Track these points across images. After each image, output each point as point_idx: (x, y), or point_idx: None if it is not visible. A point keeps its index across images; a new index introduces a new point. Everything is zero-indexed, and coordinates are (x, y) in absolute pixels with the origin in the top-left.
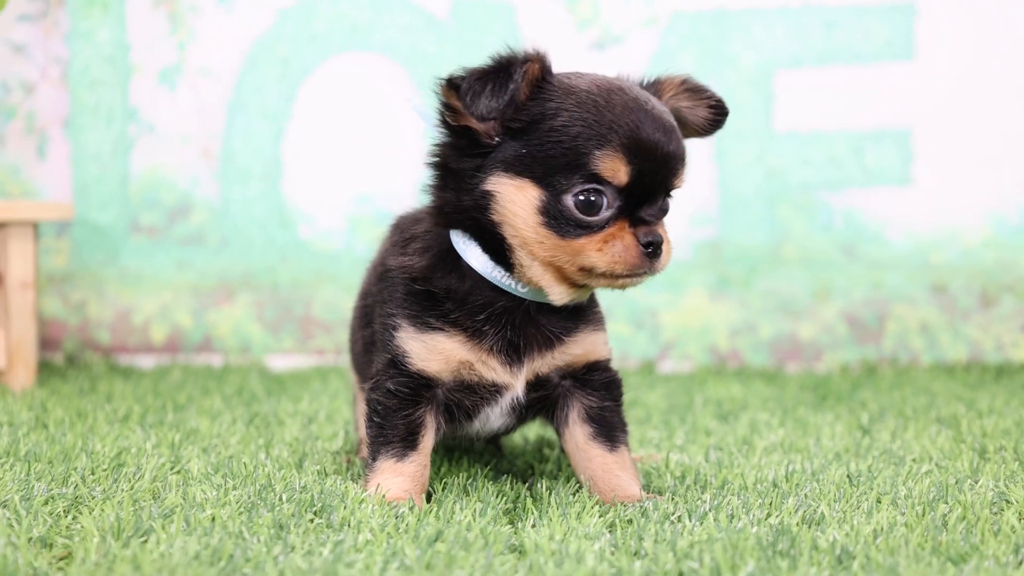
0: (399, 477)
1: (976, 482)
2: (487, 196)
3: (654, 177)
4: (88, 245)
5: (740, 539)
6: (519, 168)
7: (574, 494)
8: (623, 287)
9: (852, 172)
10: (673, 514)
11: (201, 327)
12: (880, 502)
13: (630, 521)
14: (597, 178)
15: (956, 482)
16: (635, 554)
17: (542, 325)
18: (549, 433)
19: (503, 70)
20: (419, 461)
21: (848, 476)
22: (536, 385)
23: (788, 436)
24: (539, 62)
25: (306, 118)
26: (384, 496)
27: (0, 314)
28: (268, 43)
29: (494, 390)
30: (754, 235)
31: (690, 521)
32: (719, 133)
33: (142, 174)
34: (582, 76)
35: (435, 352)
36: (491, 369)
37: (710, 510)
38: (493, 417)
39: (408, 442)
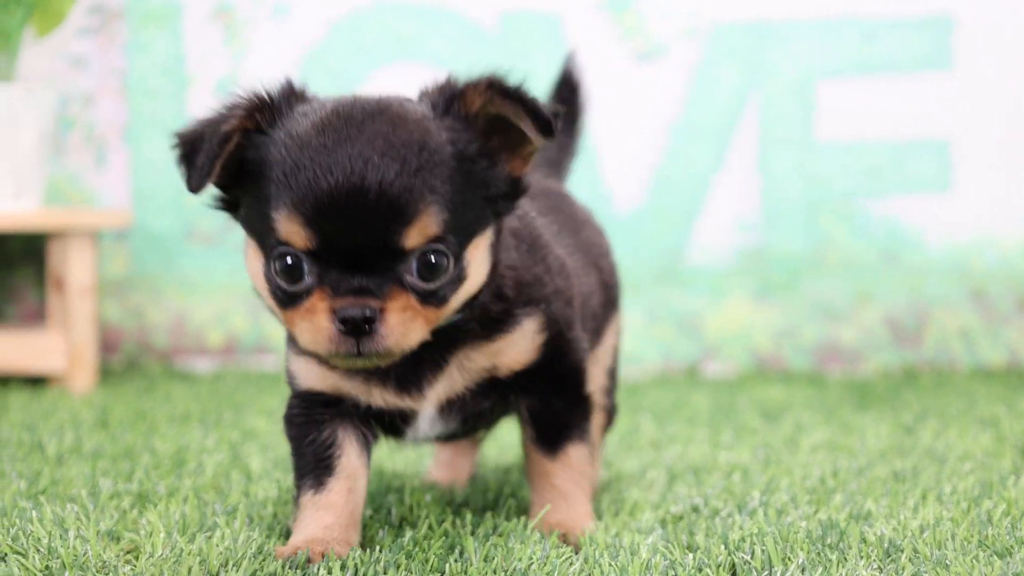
0: (319, 511)
1: (1019, 479)
2: (245, 262)
3: (351, 239)
4: (146, 252)
5: (790, 533)
6: (248, 229)
7: (626, 489)
8: (363, 368)
9: (892, 180)
10: (723, 509)
11: (256, 331)
12: (925, 498)
13: (681, 517)
14: (283, 242)
15: (999, 479)
16: (687, 547)
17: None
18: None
19: (203, 136)
20: (339, 487)
21: (893, 473)
22: (462, 400)
23: (832, 436)
24: (251, 114)
25: None
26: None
27: (61, 319)
28: (319, 55)
29: (398, 412)
30: (796, 241)
31: (740, 516)
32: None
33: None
34: (321, 108)
35: (315, 372)
36: (379, 398)
37: (759, 506)
38: (423, 428)
39: (321, 468)
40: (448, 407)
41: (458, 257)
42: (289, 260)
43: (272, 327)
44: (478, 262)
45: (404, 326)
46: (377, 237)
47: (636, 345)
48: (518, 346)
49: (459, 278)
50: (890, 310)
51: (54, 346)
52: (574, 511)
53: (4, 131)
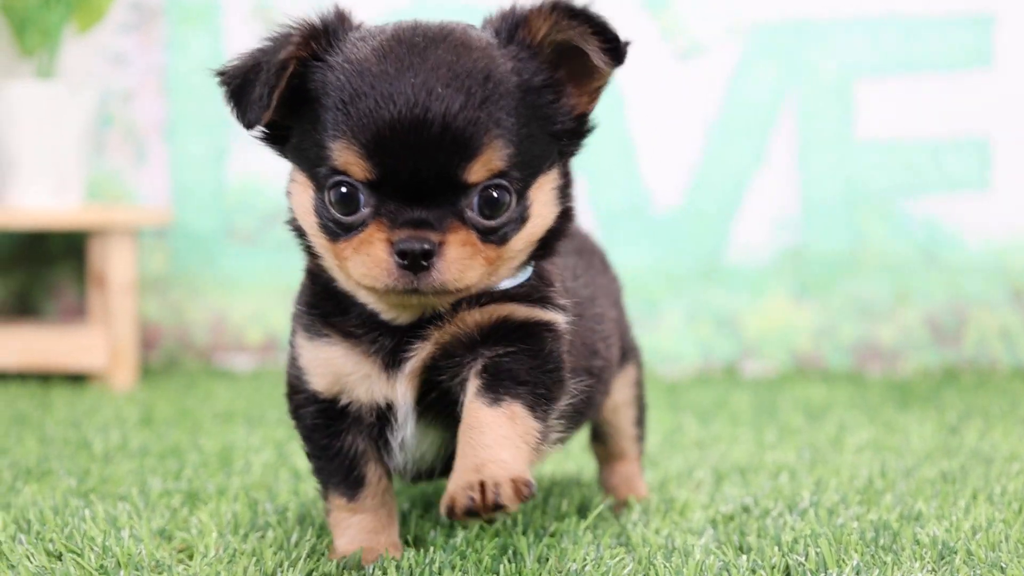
0: (357, 515)
1: None
2: (288, 198)
3: (412, 171)
4: (186, 249)
5: (843, 534)
6: (299, 161)
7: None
8: (408, 308)
9: (931, 179)
10: (773, 510)
11: None
12: (976, 499)
13: (731, 517)
14: (340, 171)
15: None
16: (740, 548)
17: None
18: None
19: (258, 67)
20: (373, 493)
21: (942, 474)
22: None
23: (876, 436)
24: (307, 41)
25: None
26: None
27: (102, 316)
28: None
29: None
30: (835, 240)
31: (791, 516)
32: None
33: (237, 180)
34: (380, 34)
35: (322, 359)
36: (368, 384)
37: (810, 506)
38: (406, 433)
39: (352, 477)
40: (425, 391)
41: (521, 194)
42: (345, 189)
43: None
44: (541, 203)
45: (463, 262)
46: (439, 170)
47: (676, 344)
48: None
49: (522, 217)
50: (929, 309)
51: (95, 343)
52: (507, 459)
53: (46, 128)
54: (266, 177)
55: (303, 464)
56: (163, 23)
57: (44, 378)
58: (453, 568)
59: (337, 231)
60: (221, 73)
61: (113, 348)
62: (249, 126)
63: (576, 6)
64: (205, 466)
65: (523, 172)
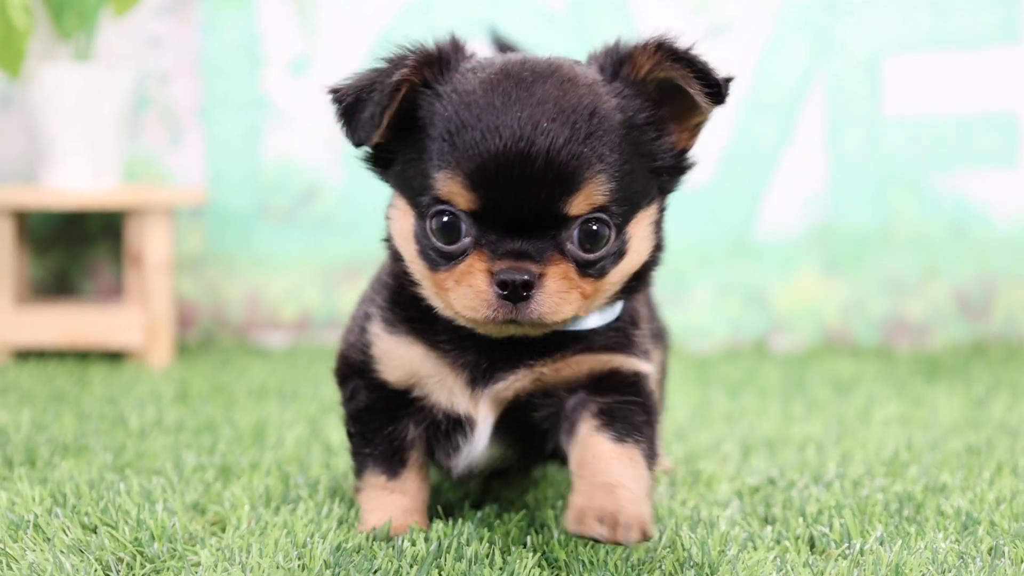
0: (394, 495)
1: None
2: (387, 222)
3: (514, 203)
4: (221, 228)
5: (867, 505)
6: (401, 187)
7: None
8: (505, 335)
9: (960, 155)
10: (799, 482)
11: (329, 306)
12: (1000, 471)
13: (757, 489)
14: (443, 200)
15: None
16: (765, 520)
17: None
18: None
19: (372, 87)
20: (413, 476)
21: (967, 447)
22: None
23: (904, 409)
24: (420, 67)
25: None
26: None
27: (139, 295)
28: (391, 36)
29: (459, 419)
30: (864, 216)
31: (817, 488)
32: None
33: (272, 160)
34: (489, 66)
35: (401, 354)
36: (448, 390)
37: (836, 478)
38: (479, 446)
39: (396, 459)
40: (507, 415)
41: (620, 229)
42: (447, 219)
43: (345, 302)
44: (639, 238)
45: (561, 296)
46: (541, 202)
47: (705, 319)
48: (630, 360)
49: (620, 252)
50: (958, 284)
51: (132, 321)
52: (634, 498)
53: (83, 109)
54: (300, 156)
55: (335, 439)
56: (199, 6)
57: (82, 356)
58: (481, 539)
59: (437, 260)
60: (334, 91)
61: (150, 326)
62: (358, 144)
63: (680, 48)
64: (239, 441)
65: (623, 207)
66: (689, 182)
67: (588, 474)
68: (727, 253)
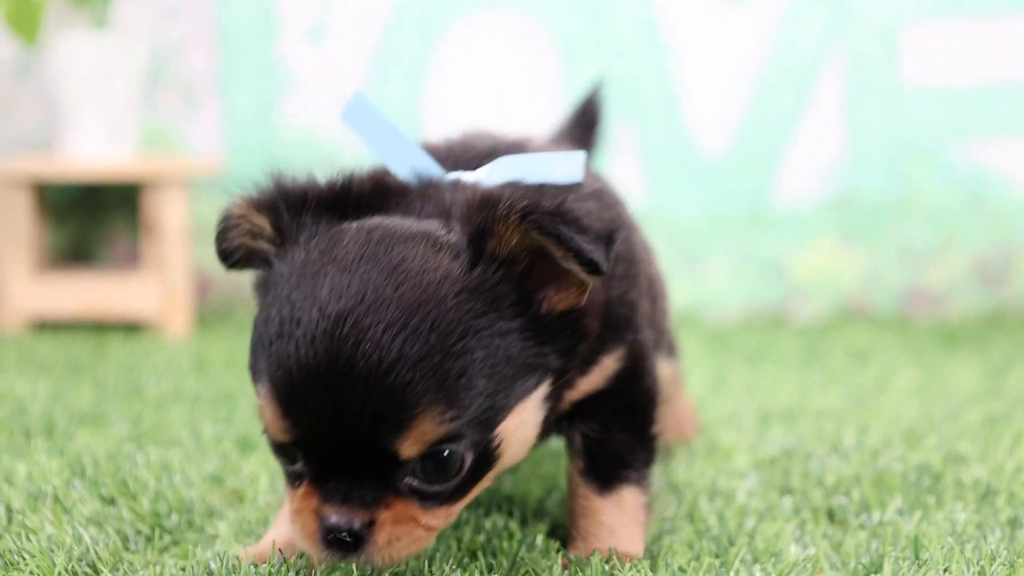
0: None
1: None
2: None
3: (333, 440)
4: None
5: (886, 476)
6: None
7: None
8: None
9: (978, 123)
10: (817, 452)
11: None
12: (1019, 440)
13: (775, 460)
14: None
15: None
16: (783, 491)
17: None
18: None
19: (224, 212)
20: None
21: (986, 416)
22: None
23: (921, 379)
24: (249, 217)
25: (445, 74)
26: None
27: (156, 264)
28: (405, 3)
29: None
30: (882, 185)
31: (835, 458)
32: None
33: (288, 130)
34: (328, 239)
35: None
36: None
37: (854, 448)
38: None
39: None
40: None
41: (481, 444)
42: (275, 442)
43: None
44: (522, 427)
45: (398, 543)
46: (363, 441)
47: (722, 289)
48: (589, 379)
49: (486, 464)
50: (976, 253)
51: (149, 291)
52: (623, 546)
53: (99, 78)
54: (317, 125)
55: None
56: None
57: (99, 326)
58: (499, 508)
59: (284, 473)
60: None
61: (167, 296)
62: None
63: (546, 220)
64: (255, 412)
65: (485, 422)
66: (707, 152)
67: (582, 525)
68: (744, 223)
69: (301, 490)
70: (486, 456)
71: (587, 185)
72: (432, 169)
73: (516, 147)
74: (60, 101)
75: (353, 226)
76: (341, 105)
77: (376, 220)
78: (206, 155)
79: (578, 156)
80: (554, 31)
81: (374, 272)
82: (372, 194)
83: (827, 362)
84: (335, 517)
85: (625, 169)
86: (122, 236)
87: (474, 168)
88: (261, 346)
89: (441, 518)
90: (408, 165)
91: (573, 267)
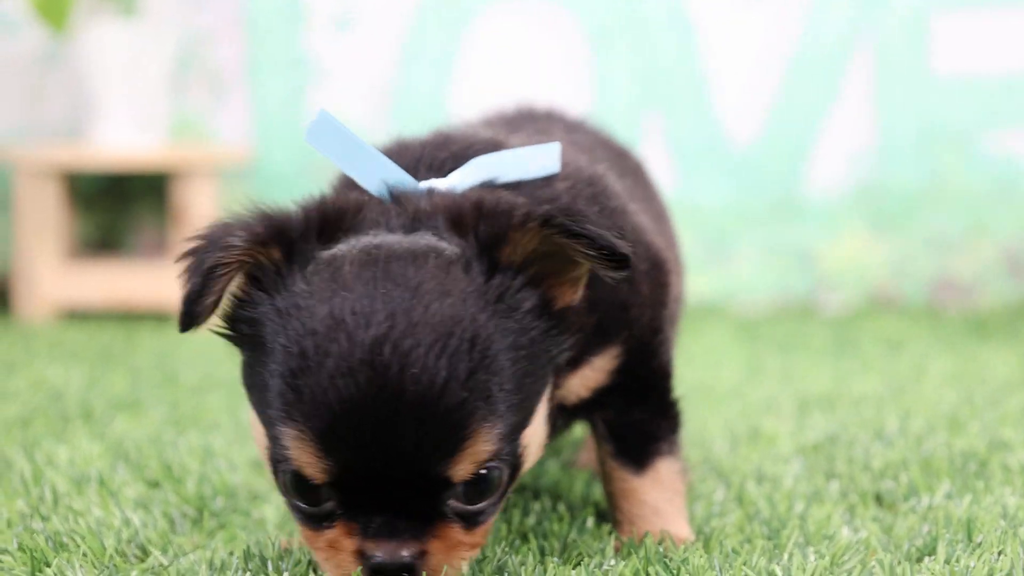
0: None
1: None
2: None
3: (383, 473)
4: (266, 187)
5: (932, 461)
6: (248, 391)
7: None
8: None
9: (1007, 112)
10: (861, 438)
11: None
12: None
13: (819, 446)
14: (294, 464)
15: None
16: (829, 475)
17: None
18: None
19: (199, 255)
20: None
21: None
22: None
23: (957, 367)
24: (246, 253)
25: (472, 63)
26: None
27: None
28: None
29: None
30: (911, 175)
31: (879, 444)
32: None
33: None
34: (342, 261)
35: None
36: None
37: (898, 434)
38: None
39: None
40: None
41: (515, 455)
42: (302, 480)
43: None
44: (539, 430)
45: (450, 569)
46: (416, 469)
47: (751, 279)
48: (585, 378)
49: (515, 473)
50: (1006, 242)
51: (176, 280)
52: (671, 527)
53: (128, 68)
54: (345, 114)
55: None
56: None
57: (127, 315)
58: (546, 492)
59: (301, 518)
60: (190, 239)
61: None
62: (180, 327)
63: (570, 224)
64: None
65: (516, 433)
66: (735, 141)
67: (625, 507)
68: (773, 212)
69: (334, 531)
70: (516, 466)
71: (574, 175)
72: (403, 180)
73: (491, 145)
74: (89, 90)
75: (346, 250)
76: (306, 126)
77: (369, 240)
78: (234, 144)
79: (553, 148)
80: (582, 20)
81: (396, 294)
82: (341, 215)
83: (860, 351)
84: (383, 554)
85: (653, 158)
86: (150, 225)
87: (447, 171)
88: (283, 383)
89: (482, 535)
90: (377, 178)
91: (599, 264)
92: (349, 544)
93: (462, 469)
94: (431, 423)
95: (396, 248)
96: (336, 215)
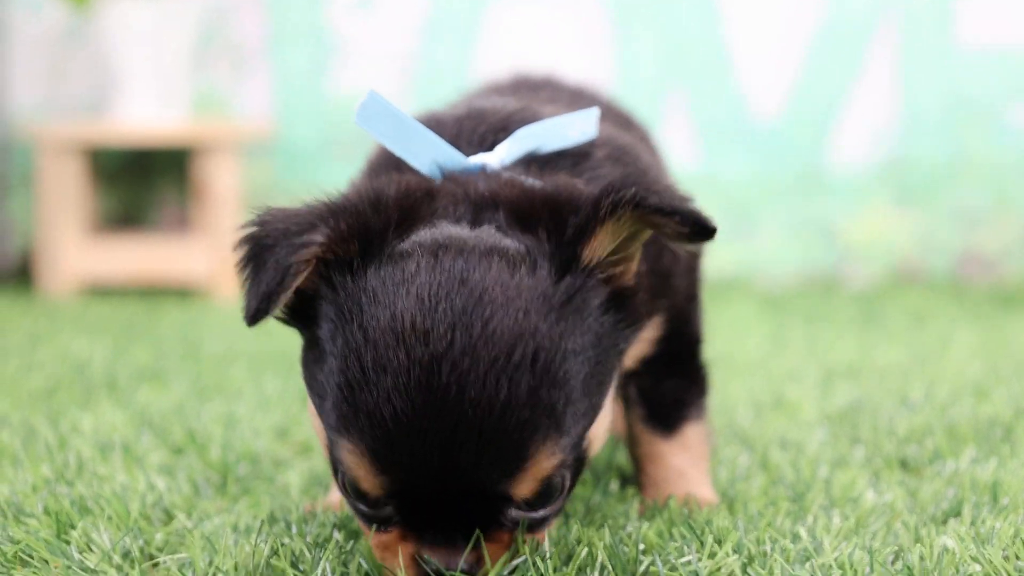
0: None
1: None
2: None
3: (439, 491)
4: (288, 162)
5: (957, 427)
6: (308, 383)
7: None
8: None
9: None
10: (885, 405)
11: None
12: None
13: (844, 413)
14: (350, 475)
15: None
16: (854, 441)
17: None
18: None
19: (267, 257)
20: None
21: None
22: None
23: (981, 339)
24: (328, 247)
25: (494, 39)
26: None
27: (207, 229)
28: None
29: None
30: (935, 149)
31: (904, 411)
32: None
33: (338, 93)
34: (409, 268)
35: None
36: None
37: (923, 401)
38: None
39: None
40: None
41: (579, 458)
42: (359, 489)
43: None
44: (604, 421)
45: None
46: (474, 487)
47: (775, 252)
48: (633, 350)
49: (580, 472)
50: None
51: (199, 255)
52: (695, 490)
53: (150, 43)
54: (367, 89)
55: None
56: None
57: (149, 290)
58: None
59: (358, 514)
60: (244, 227)
61: (217, 259)
62: (248, 323)
63: (659, 203)
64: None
65: (583, 433)
66: (760, 116)
67: (651, 470)
68: (797, 186)
69: (392, 533)
70: (580, 465)
71: (608, 142)
72: (453, 157)
73: (528, 115)
74: (111, 67)
75: (414, 248)
76: (357, 106)
77: (435, 236)
78: (256, 120)
79: (592, 113)
80: None
81: (458, 304)
82: (416, 208)
83: (885, 323)
84: (439, 560)
85: (678, 133)
86: (172, 200)
87: (490, 144)
88: (340, 392)
89: (540, 536)
90: (429, 159)
91: (684, 238)
92: (405, 548)
93: (524, 487)
94: (491, 444)
95: (462, 248)
96: (411, 208)
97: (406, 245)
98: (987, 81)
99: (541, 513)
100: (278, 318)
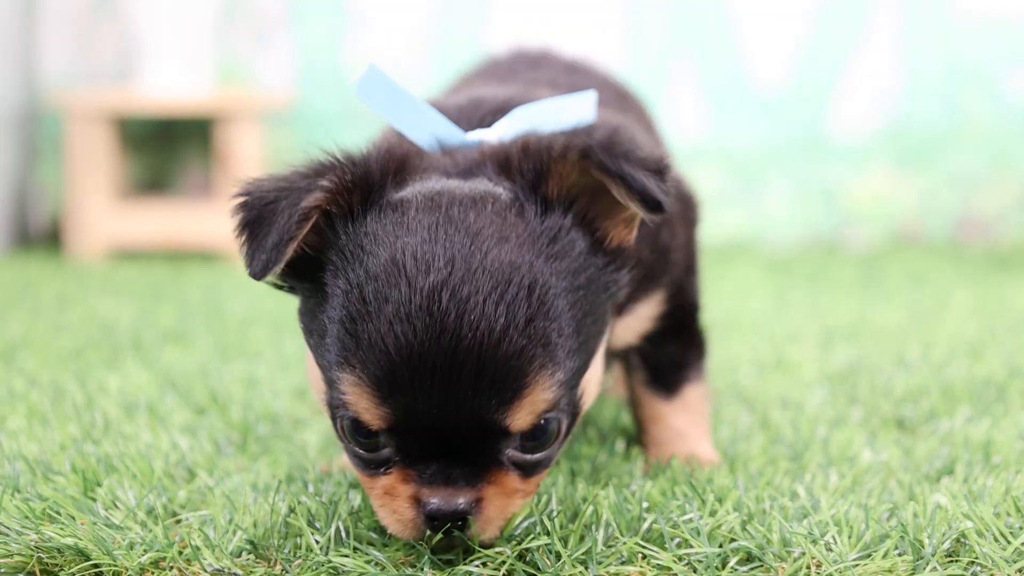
0: None
1: None
2: (308, 368)
3: (440, 420)
4: (309, 130)
5: (952, 387)
6: (306, 334)
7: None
8: None
9: None
10: (883, 365)
11: None
12: None
13: (840, 374)
14: (351, 410)
15: None
16: (852, 401)
17: None
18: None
19: (278, 206)
20: None
21: None
22: None
23: (978, 300)
24: (337, 195)
25: (508, 12)
26: None
27: (230, 195)
28: None
29: None
30: (936, 113)
31: (901, 371)
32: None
33: (358, 62)
34: (409, 212)
35: None
36: None
37: (919, 362)
38: None
39: None
40: None
41: (574, 403)
42: (359, 428)
43: None
44: (596, 374)
45: (504, 514)
46: (473, 416)
47: (778, 216)
48: (631, 328)
49: (573, 421)
50: None
51: (222, 219)
52: (696, 449)
53: (175, 13)
54: (385, 58)
55: None
56: None
57: (175, 252)
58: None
59: (357, 461)
60: (239, 195)
61: None
62: (255, 277)
63: (607, 160)
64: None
65: (575, 377)
66: (764, 82)
67: (654, 431)
68: (801, 152)
69: (390, 477)
70: (574, 413)
71: (602, 125)
72: (452, 133)
73: (524, 99)
74: (137, 37)
75: (412, 194)
76: (355, 80)
77: (432, 185)
78: (278, 89)
79: (589, 96)
80: None
81: (456, 240)
82: (409, 160)
83: (884, 285)
84: (439, 501)
85: (684, 100)
86: (197, 167)
87: (488, 125)
88: (341, 327)
89: (536, 484)
90: (428, 132)
91: (634, 205)
92: (405, 490)
93: (520, 419)
94: (489, 371)
95: (457, 193)
96: (404, 160)
97: (404, 193)
98: (987, 47)
99: (537, 456)
100: (275, 284)
